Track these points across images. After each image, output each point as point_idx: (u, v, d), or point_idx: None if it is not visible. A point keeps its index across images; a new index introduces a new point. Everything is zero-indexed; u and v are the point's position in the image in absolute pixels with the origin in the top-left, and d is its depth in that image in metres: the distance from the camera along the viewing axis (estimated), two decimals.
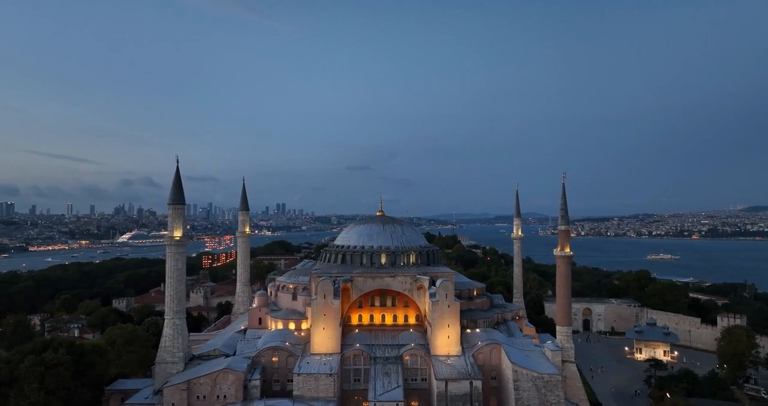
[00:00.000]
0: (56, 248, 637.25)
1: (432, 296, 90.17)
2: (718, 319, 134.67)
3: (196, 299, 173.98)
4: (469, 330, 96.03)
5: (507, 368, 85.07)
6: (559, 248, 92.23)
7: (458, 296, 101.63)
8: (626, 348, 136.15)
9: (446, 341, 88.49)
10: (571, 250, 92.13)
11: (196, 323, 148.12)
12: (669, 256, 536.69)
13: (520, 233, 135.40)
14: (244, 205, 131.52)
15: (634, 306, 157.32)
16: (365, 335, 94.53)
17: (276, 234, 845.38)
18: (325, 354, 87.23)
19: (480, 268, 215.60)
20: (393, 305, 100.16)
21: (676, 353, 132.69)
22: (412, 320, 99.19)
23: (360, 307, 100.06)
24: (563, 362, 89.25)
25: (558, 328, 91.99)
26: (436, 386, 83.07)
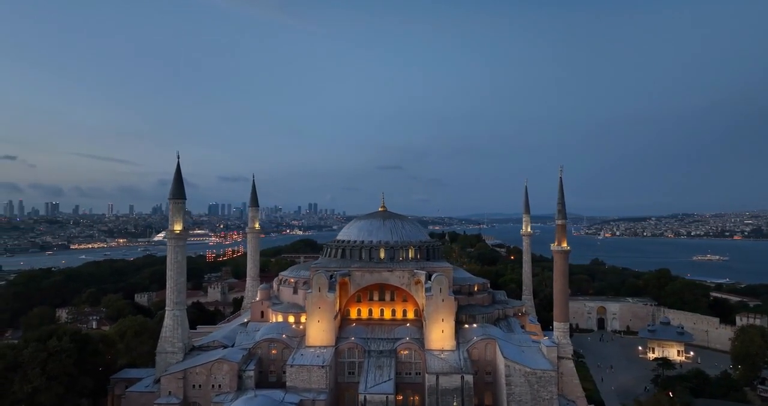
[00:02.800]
0: (95, 246, 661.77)
1: (427, 290, 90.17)
2: (737, 319, 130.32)
3: (214, 294, 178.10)
4: (466, 325, 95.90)
5: (500, 363, 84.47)
6: (555, 243, 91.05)
7: (458, 292, 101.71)
8: (639, 348, 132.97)
9: (440, 335, 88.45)
10: (568, 245, 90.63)
11: (212, 317, 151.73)
12: (717, 257, 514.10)
13: (529, 230, 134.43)
14: (254, 201, 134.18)
15: (651, 305, 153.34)
16: (362, 329, 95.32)
17: (307, 233, 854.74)
18: (320, 347, 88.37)
19: (498, 266, 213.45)
20: (392, 299, 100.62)
21: (691, 353, 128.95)
22: (410, 315, 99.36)
23: (359, 301, 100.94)
24: (560, 358, 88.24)
25: (555, 324, 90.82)
26: (428, 379, 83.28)
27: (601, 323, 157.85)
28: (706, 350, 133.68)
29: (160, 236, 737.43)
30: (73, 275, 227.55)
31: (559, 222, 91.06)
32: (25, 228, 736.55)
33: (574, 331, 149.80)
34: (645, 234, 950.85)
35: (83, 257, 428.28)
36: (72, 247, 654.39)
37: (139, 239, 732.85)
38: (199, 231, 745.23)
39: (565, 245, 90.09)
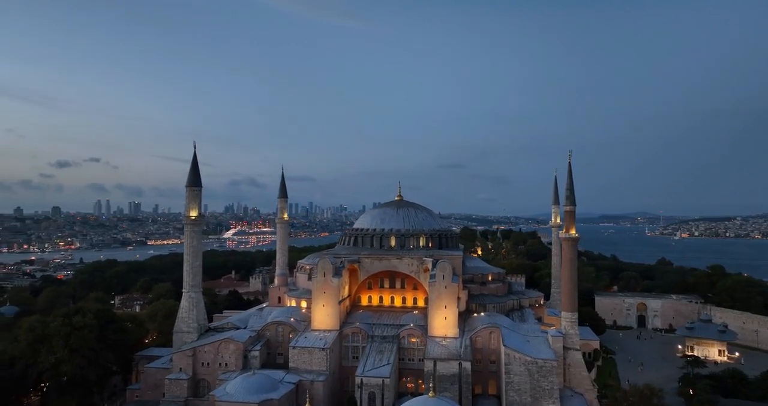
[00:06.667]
0: (169, 242, 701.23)
1: (431, 276, 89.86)
2: None
3: (255, 284, 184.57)
4: (475, 314, 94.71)
5: (502, 351, 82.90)
6: (564, 230, 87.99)
7: (470, 281, 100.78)
8: (679, 346, 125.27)
9: (443, 322, 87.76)
10: (577, 232, 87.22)
11: (248, 305, 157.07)
12: None
13: (558, 221, 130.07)
14: (283, 193, 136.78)
15: (696, 302, 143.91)
16: (368, 315, 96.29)
17: None
18: (324, 330, 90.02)
19: (539, 262, 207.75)
20: (402, 287, 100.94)
21: (736, 353, 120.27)
22: (421, 303, 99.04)
23: (370, 288, 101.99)
24: (567, 349, 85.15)
25: (563, 313, 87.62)
26: (426, 365, 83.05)
27: (641, 321, 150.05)
28: (756, 351, 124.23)
29: (229, 233, 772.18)
30: (135, 267, 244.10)
31: (567, 208, 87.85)
32: (109, 225, 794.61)
33: (610, 327, 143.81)
34: (728, 235, 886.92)
35: (151, 252, 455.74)
36: (149, 243, 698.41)
37: (210, 236, 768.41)
38: (265, 228, 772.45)
39: (573, 232, 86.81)
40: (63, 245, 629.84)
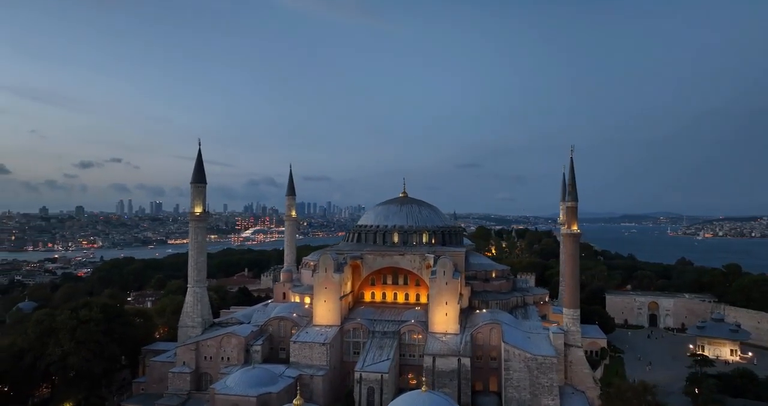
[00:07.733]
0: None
1: (432, 273, 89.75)
2: None
3: (266, 281, 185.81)
4: (477, 311, 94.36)
5: (502, 348, 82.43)
6: (565, 226, 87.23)
7: (473, 277, 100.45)
8: (691, 346, 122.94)
9: (444, 318, 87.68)
10: (579, 228, 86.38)
11: (257, 302, 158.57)
12: None
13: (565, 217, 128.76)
14: (291, 190, 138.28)
15: (710, 301, 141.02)
16: (371, 311, 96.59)
17: None
18: (325, 326, 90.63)
19: (550, 260, 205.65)
20: (405, 283, 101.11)
21: (750, 353, 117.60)
22: (423, 299, 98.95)
23: (372, 284, 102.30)
24: (568, 346, 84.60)
25: (564, 310, 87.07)
26: (425, 361, 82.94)
27: (653, 320, 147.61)
28: None
29: (247, 233, 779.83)
30: (152, 264, 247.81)
31: (569, 204, 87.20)
32: (131, 225, 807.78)
33: (621, 326, 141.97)
34: (753, 235, 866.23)
35: (170, 250, 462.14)
36: (169, 242, 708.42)
37: (228, 235, 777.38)
38: (281, 228, 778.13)
39: (575, 228, 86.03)
40: (86, 244, 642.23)
